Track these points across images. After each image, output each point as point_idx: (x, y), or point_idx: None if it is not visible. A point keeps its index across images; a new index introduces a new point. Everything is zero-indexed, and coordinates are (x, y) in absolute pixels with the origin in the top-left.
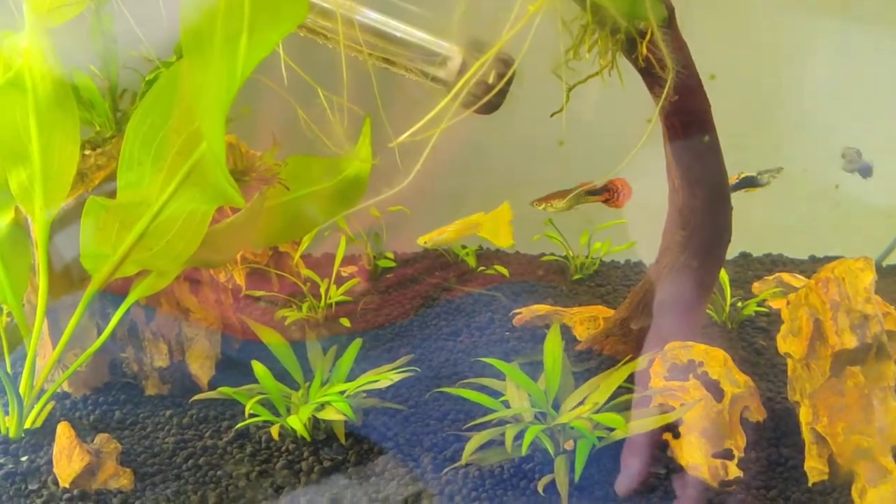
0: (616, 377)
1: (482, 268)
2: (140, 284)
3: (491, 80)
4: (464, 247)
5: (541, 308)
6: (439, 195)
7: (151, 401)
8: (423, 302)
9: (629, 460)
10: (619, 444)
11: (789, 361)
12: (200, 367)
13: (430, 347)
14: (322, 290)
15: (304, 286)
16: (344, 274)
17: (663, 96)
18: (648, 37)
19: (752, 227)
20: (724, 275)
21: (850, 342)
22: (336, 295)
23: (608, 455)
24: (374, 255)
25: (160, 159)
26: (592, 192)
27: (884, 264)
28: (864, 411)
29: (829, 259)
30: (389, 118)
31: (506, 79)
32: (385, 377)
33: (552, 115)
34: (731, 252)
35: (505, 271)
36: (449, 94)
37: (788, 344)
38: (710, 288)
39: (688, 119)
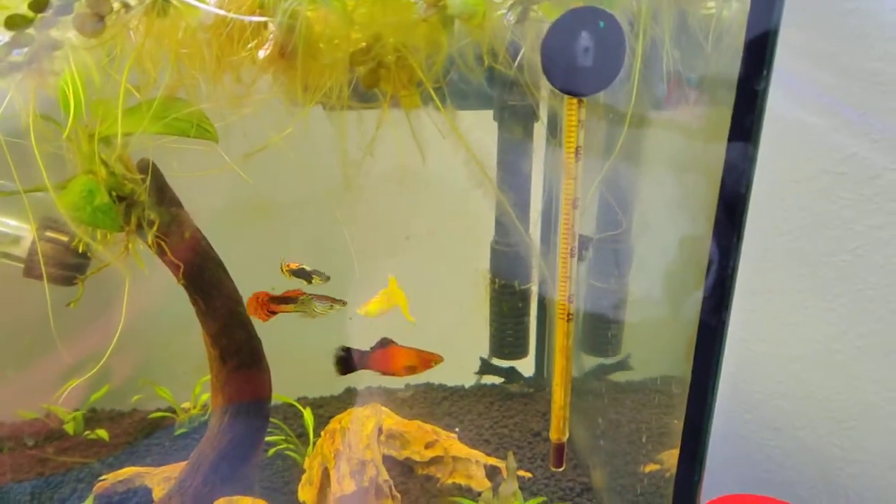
0: None
1: (87, 432)
2: None
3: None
4: (75, 410)
5: (123, 472)
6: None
7: None
8: (11, 477)
9: None
10: None
11: None
12: None
13: None
14: None
15: None
16: None
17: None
18: (155, 228)
19: None
20: (309, 416)
21: (349, 487)
22: None
23: None
24: None
25: None
26: None
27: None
28: None
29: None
30: None
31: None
32: None
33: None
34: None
35: (105, 435)
36: None
37: (305, 493)
38: (258, 443)
39: (202, 289)
